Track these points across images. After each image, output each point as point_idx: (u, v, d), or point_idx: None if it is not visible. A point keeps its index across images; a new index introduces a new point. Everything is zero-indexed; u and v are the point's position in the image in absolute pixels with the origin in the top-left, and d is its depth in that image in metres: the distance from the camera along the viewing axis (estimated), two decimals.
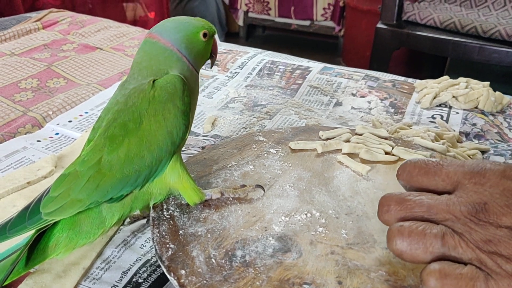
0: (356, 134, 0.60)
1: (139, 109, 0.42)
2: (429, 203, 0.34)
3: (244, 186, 0.47)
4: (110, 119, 0.43)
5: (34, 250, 0.41)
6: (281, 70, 0.91)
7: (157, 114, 0.42)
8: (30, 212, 0.41)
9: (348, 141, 0.58)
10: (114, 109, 0.43)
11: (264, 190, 0.47)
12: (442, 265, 0.32)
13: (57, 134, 0.67)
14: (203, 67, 0.87)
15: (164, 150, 0.42)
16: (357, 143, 0.57)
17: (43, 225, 0.41)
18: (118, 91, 0.45)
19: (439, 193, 0.35)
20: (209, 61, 0.50)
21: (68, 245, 0.42)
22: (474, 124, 0.73)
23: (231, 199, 0.46)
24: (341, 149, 0.55)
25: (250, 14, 3.20)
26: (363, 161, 0.53)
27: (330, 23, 2.99)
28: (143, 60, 0.45)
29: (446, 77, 0.84)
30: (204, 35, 0.46)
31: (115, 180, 0.41)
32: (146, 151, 0.42)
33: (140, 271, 0.43)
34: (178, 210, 0.44)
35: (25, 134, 0.66)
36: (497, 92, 0.79)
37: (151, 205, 0.45)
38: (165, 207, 0.45)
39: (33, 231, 0.41)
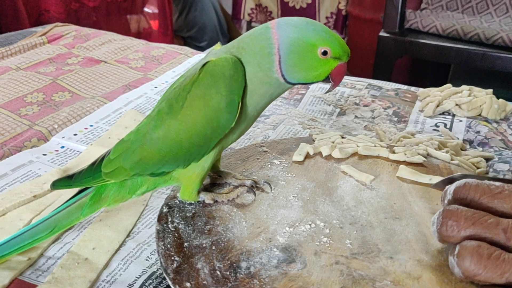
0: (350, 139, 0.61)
1: (185, 90, 0.41)
2: (504, 226, 0.35)
3: (236, 187, 0.48)
4: (169, 92, 0.44)
5: (92, 198, 0.46)
6: None
7: (198, 99, 0.40)
8: (96, 167, 0.45)
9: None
10: (178, 81, 0.44)
11: (255, 194, 0.48)
12: None
13: (62, 147, 0.67)
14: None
15: (203, 138, 0.41)
16: (342, 142, 0.59)
17: (102, 183, 0.45)
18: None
19: (503, 217, 0.36)
20: (325, 85, 0.45)
21: (116, 198, 0.46)
22: (478, 132, 0.73)
23: (235, 210, 0.46)
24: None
25: (253, 24, 3.21)
26: (337, 160, 0.56)
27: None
28: (243, 38, 0.43)
29: (449, 85, 0.84)
30: (324, 52, 0.40)
31: (154, 159, 0.43)
32: (184, 136, 0.41)
33: (146, 284, 0.43)
34: (183, 223, 0.45)
35: (31, 148, 0.67)
36: (501, 100, 0.79)
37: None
38: (169, 219, 0.45)
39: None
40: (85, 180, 0.45)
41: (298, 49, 0.40)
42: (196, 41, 3.03)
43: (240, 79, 0.40)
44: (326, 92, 0.45)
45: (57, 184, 0.47)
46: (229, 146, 0.64)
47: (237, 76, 0.40)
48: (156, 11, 2.61)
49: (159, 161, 0.43)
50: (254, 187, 0.49)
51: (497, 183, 0.38)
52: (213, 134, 0.41)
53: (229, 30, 3.34)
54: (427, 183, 0.51)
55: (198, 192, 0.47)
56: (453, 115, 0.78)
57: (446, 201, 0.40)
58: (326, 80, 0.43)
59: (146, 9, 2.55)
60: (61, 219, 0.45)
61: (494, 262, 0.33)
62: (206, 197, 0.47)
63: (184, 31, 3.03)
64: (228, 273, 0.38)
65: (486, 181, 0.38)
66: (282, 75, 0.41)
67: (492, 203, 0.37)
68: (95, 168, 0.45)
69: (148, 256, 0.47)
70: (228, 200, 0.47)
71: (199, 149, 0.42)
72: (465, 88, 0.82)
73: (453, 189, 0.39)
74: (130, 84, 0.89)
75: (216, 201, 0.47)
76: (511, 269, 0.33)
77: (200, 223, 0.44)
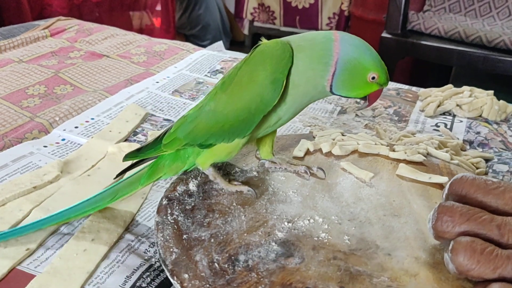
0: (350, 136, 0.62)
1: (237, 68, 0.45)
2: (498, 223, 0.35)
3: (243, 184, 0.49)
4: (225, 73, 0.47)
5: (150, 168, 0.49)
6: None
7: (246, 75, 0.44)
8: (158, 140, 0.48)
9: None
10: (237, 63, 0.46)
11: (256, 196, 0.48)
12: (506, 287, 0.33)
13: (63, 139, 0.67)
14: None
15: (247, 113, 0.44)
16: (342, 139, 0.59)
17: (161, 153, 0.49)
18: None
19: (496, 213, 0.36)
20: (359, 101, 0.47)
21: (171, 168, 0.49)
22: (478, 133, 0.73)
23: (234, 204, 0.46)
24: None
25: (256, 23, 3.21)
26: (337, 157, 0.56)
27: None
28: (304, 38, 0.45)
29: (450, 85, 0.84)
30: (373, 77, 0.43)
31: (204, 130, 0.45)
32: (230, 109, 0.44)
33: (144, 276, 0.44)
34: (182, 215, 0.45)
35: (32, 139, 0.67)
36: (501, 101, 0.79)
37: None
38: (169, 211, 0.45)
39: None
40: (148, 152, 0.49)
41: (352, 68, 0.43)
42: (198, 40, 3.03)
43: (286, 60, 0.43)
44: (359, 109, 0.48)
45: (128, 156, 0.50)
46: None
47: (284, 56, 0.43)
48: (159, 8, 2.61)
49: (207, 132, 0.46)
50: (308, 173, 0.51)
51: (494, 180, 0.38)
52: (256, 110, 0.44)
53: (231, 29, 3.34)
54: (427, 181, 0.51)
55: (211, 165, 0.49)
56: (454, 116, 0.79)
57: (443, 196, 0.40)
58: (363, 98, 0.46)
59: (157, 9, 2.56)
60: (121, 188, 0.48)
61: (487, 257, 0.34)
62: (212, 173, 0.49)
63: (187, 28, 3.03)
64: (226, 265, 0.39)
65: (483, 177, 0.38)
66: (330, 85, 0.44)
67: (486, 198, 0.37)
68: (158, 141, 0.48)
69: (146, 249, 0.47)
70: (229, 191, 0.48)
71: (243, 124, 0.45)
72: (466, 89, 0.82)
73: (449, 183, 0.39)
74: (132, 78, 0.89)
75: (215, 179, 0.49)
76: (503, 265, 0.33)
77: (199, 215, 0.45)
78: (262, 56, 0.43)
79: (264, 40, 0.46)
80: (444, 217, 0.36)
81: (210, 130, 0.45)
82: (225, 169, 0.52)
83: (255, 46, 0.45)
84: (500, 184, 0.37)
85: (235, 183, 0.49)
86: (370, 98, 0.46)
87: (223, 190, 0.48)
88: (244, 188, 0.48)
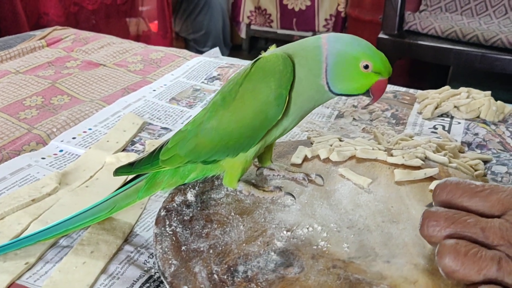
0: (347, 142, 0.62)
1: (238, 84, 0.44)
2: (482, 225, 0.35)
3: (276, 189, 0.49)
4: (224, 86, 0.46)
5: (148, 182, 0.49)
6: None
7: (249, 92, 0.44)
8: (154, 155, 0.48)
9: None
10: (233, 77, 0.46)
11: (294, 198, 0.48)
12: None
13: (61, 151, 0.67)
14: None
15: (252, 129, 0.44)
16: (340, 145, 0.59)
17: (159, 169, 0.48)
18: None
19: (483, 216, 0.36)
20: (356, 105, 0.47)
21: (170, 183, 0.49)
22: (476, 134, 0.73)
23: (233, 214, 0.46)
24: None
25: (253, 27, 3.22)
26: (335, 163, 0.56)
27: None
28: (298, 44, 0.45)
29: (447, 87, 0.84)
30: (366, 66, 0.43)
31: (207, 148, 0.45)
32: (234, 126, 0.44)
33: (144, 287, 0.43)
34: (181, 226, 0.45)
35: (30, 151, 0.67)
36: (499, 102, 0.79)
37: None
38: (167, 223, 0.45)
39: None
40: (144, 167, 0.48)
41: (342, 60, 0.43)
42: (198, 45, 3.04)
43: (289, 74, 0.43)
44: (365, 106, 0.47)
45: (119, 171, 0.50)
46: None
47: (286, 71, 0.43)
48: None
49: (211, 149, 0.46)
50: (307, 180, 0.51)
51: (478, 183, 0.38)
52: (261, 126, 0.44)
53: (231, 38, 3.35)
54: (423, 177, 0.52)
55: (238, 181, 0.48)
56: (452, 117, 0.78)
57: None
58: (367, 93, 0.45)
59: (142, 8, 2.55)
60: (119, 200, 0.48)
61: (471, 259, 0.34)
62: (244, 188, 0.49)
63: (188, 32, 3.04)
64: (225, 277, 0.38)
65: (467, 180, 0.38)
66: (327, 83, 0.44)
67: (472, 202, 0.37)
68: (154, 156, 0.48)
69: (146, 260, 0.47)
70: (264, 197, 0.48)
71: (248, 140, 0.45)
72: (463, 90, 0.82)
73: (434, 189, 0.40)
74: (128, 87, 0.89)
75: (253, 194, 0.48)
76: (487, 266, 0.33)
77: (197, 226, 0.44)
78: (264, 72, 0.43)
79: (263, 54, 0.45)
80: (429, 222, 0.37)
81: (214, 147, 0.45)
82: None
83: (254, 60, 0.45)
84: (485, 187, 0.37)
85: (270, 188, 0.49)
86: (373, 92, 0.45)
87: (221, 200, 0.48)
88: (281, 194, 0.48)
